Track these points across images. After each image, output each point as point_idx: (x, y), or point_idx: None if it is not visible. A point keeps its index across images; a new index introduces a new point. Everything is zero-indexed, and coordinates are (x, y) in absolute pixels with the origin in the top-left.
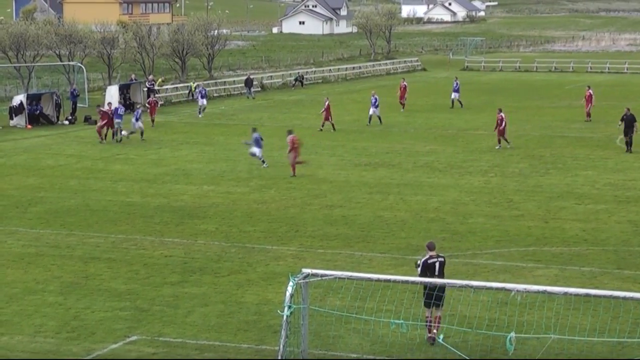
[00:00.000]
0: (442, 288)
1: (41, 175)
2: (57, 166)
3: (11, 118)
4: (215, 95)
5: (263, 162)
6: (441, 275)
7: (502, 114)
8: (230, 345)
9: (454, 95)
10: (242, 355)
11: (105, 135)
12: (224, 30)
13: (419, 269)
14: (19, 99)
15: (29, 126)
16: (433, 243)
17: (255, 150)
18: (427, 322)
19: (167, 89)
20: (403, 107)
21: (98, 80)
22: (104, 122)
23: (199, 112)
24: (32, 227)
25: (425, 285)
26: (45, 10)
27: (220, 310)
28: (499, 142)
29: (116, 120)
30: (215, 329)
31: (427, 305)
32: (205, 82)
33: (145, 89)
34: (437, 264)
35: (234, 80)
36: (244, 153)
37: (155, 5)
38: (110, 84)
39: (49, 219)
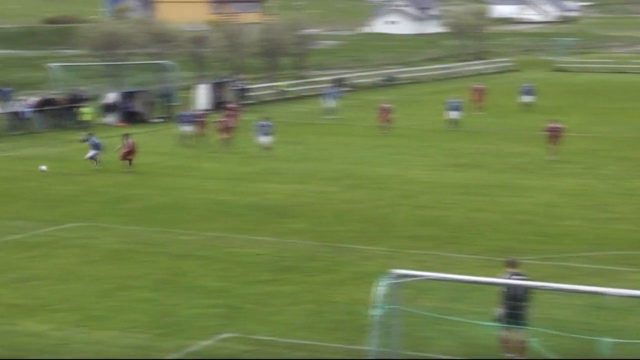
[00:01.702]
0: (523, 305)
1: (134, 173)
2: (150, 163)
3: (105, 116)
4: (305, 94)
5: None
6: (523, 295)
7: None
8: (321, 344)
9: (525, 98)
10: (332, 355)
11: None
12: (314, 30)
13: (501, 294)
14: (112, 97)
15: (121, 124)
16: (514, 260)
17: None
18: (504, 344)
19: (257, 87)
20: (480, 110)
21: (189, 79)
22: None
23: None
24: (125, 224)
25: (504, 303)
26: (137, 10)
27: (311, 309)
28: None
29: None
30: (305, 328)
31: (507, 326)
32: (294, 82)
33: (236, 88)
34: (518, 286)
35: (323, 80)
36: (334, 152)
37: (245, 4)
38: (201, 83)
39: (141, 216)
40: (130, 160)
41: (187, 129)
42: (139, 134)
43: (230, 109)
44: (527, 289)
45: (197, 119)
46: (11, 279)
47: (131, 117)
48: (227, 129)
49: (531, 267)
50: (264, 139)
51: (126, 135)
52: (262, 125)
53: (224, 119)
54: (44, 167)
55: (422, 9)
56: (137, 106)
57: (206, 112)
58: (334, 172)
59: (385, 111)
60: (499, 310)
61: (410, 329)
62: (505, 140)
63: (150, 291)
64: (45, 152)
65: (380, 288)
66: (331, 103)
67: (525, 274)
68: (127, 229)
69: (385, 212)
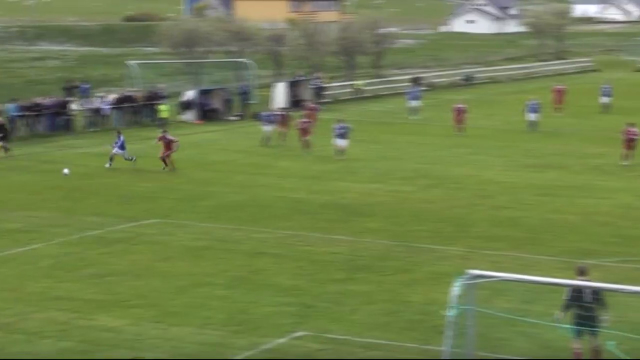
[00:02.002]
0: (593, 310)
1: (210, 170)
2: (226, 161)
3: (182, 113)
4: (382, 93)
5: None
6: (596, 304)
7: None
8: (396, 344)
9: (603, 99)
10: (407, 355)
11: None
12: (392, 29)
13: (566, 300)
14: (190, 94)
15: (199, 121)
16: (584, 268)
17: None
18: (576, 351)
19: (334, 86)
20: (560, 111)
21: (266, 77)
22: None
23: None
24: (201, 221)
25: (573, 310)
26: (216, 7)
27: (386, 309)
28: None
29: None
30: (380, 327)
31: (578, 333)
32: (371, 81)
33: (313, 87)
34: (587, 291)
35: (401, 79)
36: (410, 152)
37: (324, 3)
38: (278, 81)
39: (217, 213)
40: (166, 159)
41: (269, 128)
42: (215, 132)
43: (309, 109)
44: (597, 294)
45: (279, 119)
46: (89, 274)
47: (208, 115)
48: (306, 130)
49: (609, 270)
50: (340, 142)
51: (164, 132)
52: (339, 128)
53: (304, 120)
54: (66, 171)
55: (502, 8)
56: (216, 104)
57: (287, 112)
58: (410, 172)
59: (460, 112)
60: (560, 314)
61: (484, 330)
62: (584, 141)
63: (225, 288)
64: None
65: (456, 288)
66: (414, 103)
67: (593, 281)
68: (203, 226)
69: (461, 212)
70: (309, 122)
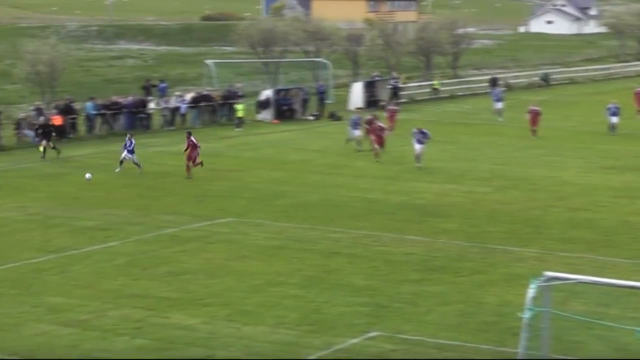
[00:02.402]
0: None
1: (285, 170)
2: (301, 161)
3: (258, 112)
4: (459, 94)
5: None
6: None
7: None
8: (470, 345)
9: None
10: (481, 356)
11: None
12: (470, 29)
13: None
14: (267, 93)
15: (276, 121)
16: None
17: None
18: None
19: (411, 86)
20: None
21: (343, 77)
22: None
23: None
24: (276, 220)
25: None
26: (294, 7)
27: (460, 310)
28: None
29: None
30: (454, 329)
31: None
32: (447, 81)
33: (390, 87)
34: None
35: (478, 80)
36: (486, 153)
37: (402, 3)
38: (355, 81)
39: (292, 212)
40: (191, 164)
41: (357, 133)
42: (292, 131)
43: (389, 111)
44: None
45: (367, 123)
46: (164, 272)
47: (284, 114)
48: (381, 138)
49: None
50: (418, 147)
51: (189, 133)
52: (418, 133)
53: (381, 126)
54: (88, 176)
55: (582, 9)
56: (292, 103)
57: (375, 117)
58: (486, 173)
59: (534, 114)
60: None
61: (560, 333)
62: None
63: (299, 288)
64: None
65: (531, 290)
66: (499, 105)
67: None
68: (277, 225)
69: (537, 213)
70: (385, 129)
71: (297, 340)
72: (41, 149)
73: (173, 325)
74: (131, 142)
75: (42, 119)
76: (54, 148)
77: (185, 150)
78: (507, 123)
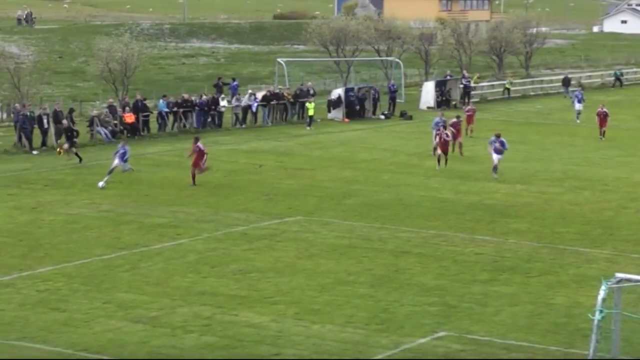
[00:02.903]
0: None
1: (356, 169)
2: (372, 160)
3: (329, 111)
4: (531, 93)
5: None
6: None
7: None
8: (539, 346)
9: None
10: (550, 357)
11: None
12: (543, 29)
13: None
14: (338, 92)
15: (346, 119)
16: None
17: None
18: None
19: (482, 86)
20: None
21: (415, 76)
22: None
23: (577, 118)
24: (346, 219)
25: None
26: (366, 6)
27: (529, 311)
28: None
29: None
30: (523, 329)
31: None
32: (519, 80)
33: (461, 86)
34: None
35: (551, 79)
36: (558, 153)
37: (475, 2)
38: (426, 80)
39: (362, 211)
40: (197, 171)
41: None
42: (362, 130)
43: (468, 112)
44: None
45: (453, 126)
46: (233, 270)
47: (355, 113)
48: (446, 144)
49: None
50: (496, 157)
51: (196, 139)
52: (496, 141)
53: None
54: (101, 184)
55: None
56: (365, 102)
57: (460, 120)
58: (558, 173)
59: (603, 115)
60: None
61: (631, 335)
62: None
63: (368, 287)
64: (270, 146)
65: (602, 292)
66: (579, 106)
67: None
68: (347, 224)
69: (609, 214)
70: (454, 133)
71: (365, 339)
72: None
73: (241, 323)
74: (125, 150)
75: (64, 122)
76: (75, 154)
77: (190, 155)
78: (580, 123)
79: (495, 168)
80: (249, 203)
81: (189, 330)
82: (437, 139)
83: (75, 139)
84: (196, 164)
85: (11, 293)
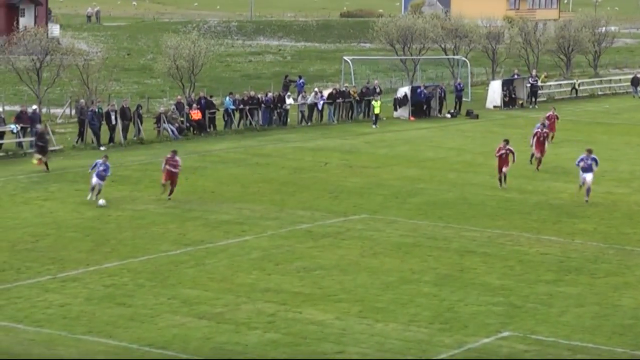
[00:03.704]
0: None
1: (421, 167)
2: (437, 158)
3: (395, 109)
4: (599, 93)
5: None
6: None
7: None
8: (604, 348)
9: None
10: (616, 359)
11: None
12: (612, 28)
13: None
14: (404, 90)
15: (412, 118)
16: None
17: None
18: None
19: (550, 85)
20: None
21: (481, 75)
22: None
23: None
24: (410, 218)
25: None
26: (433, 4)
27: (595, 312)
28: None
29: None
30: (588, 331)
31: None
32: (589, 80)
33: (529, 85)
34: None
35: (619, 79)
36: (626, 153)
37: (543, 0)
38: (493, 79)
39: (427, 210)
40: (168, 185)
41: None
42: (428, 129)
43: (549, 118)
44: None
45: (548, 118)
46: (297, 267)
47: (422, 112)
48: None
49: None
50: (588, 178)
51: (173, 152)
52: (588, 158)
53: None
54: (102, 202)
55: None
56: (431, 101)
57: (555, 114)
58: (626, 173)
59: None
60: None
61: None
62: None
63: (432, 286)
64: (335, 144)
65: None
66: None
67: None
68: (412, 223)
69: None
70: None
71: (429, 338)
72: (35, 161)
73: (305, 320)
74: (106, 167)
75: (38, 126)
76: (45, 162)
77: (165, 164)
78: None
79: (588, 191)
80: (314, 201)
81: (252, 327)
82: (534, 139)
83: (47, 148)
84: (169, 177)
85: (78, 287)
